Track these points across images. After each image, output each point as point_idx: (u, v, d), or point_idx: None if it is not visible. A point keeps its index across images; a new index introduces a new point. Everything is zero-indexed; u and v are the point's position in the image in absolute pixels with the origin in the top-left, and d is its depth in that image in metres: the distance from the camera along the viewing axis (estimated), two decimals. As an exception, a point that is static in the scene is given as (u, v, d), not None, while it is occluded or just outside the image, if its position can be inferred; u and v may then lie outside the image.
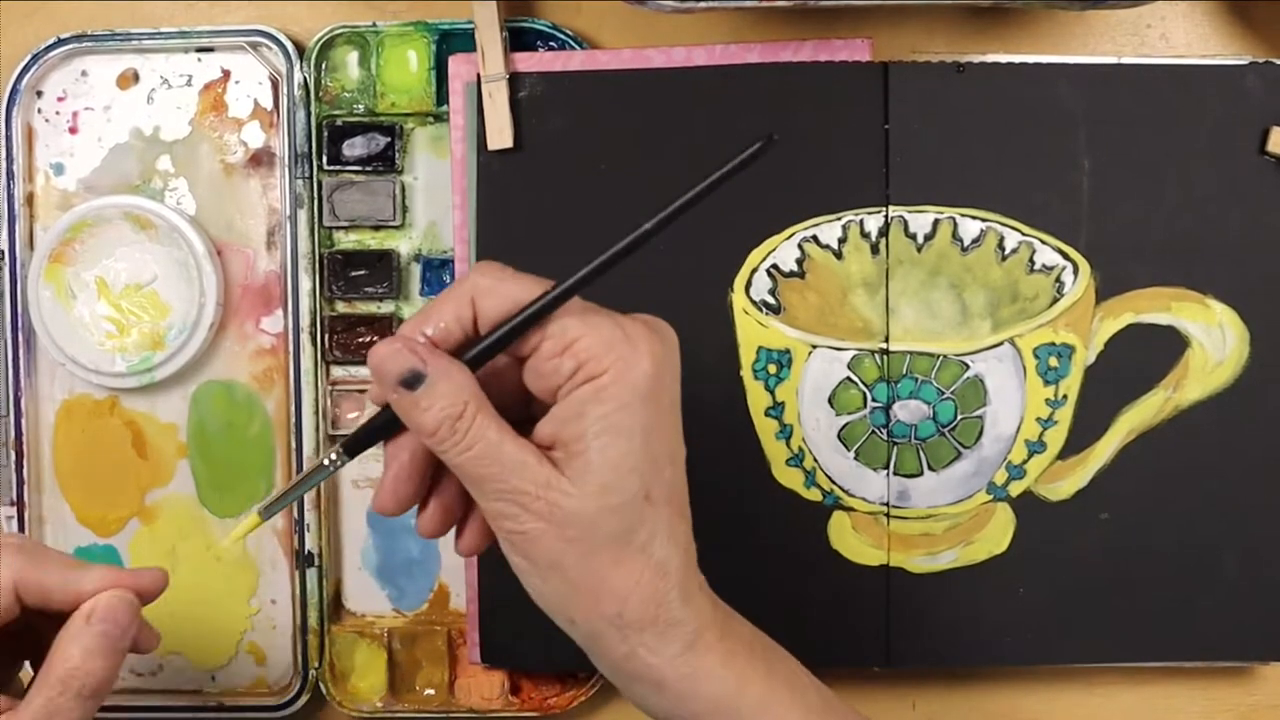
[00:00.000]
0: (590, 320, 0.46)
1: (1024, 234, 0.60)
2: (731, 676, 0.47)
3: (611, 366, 0.45)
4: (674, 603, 0.47)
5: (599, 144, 0.61)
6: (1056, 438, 0.61)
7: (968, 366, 0.60)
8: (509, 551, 0.47)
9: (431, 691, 0.65)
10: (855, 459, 0.61)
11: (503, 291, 0.46)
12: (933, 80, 0.60)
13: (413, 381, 0.45)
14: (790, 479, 0.61)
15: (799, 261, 0.61)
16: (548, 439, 0.46)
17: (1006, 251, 0.60)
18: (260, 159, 0.65)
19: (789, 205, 0.61)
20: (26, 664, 0.54)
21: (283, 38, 0.64)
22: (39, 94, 0.65)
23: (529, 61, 0.62)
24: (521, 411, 0.48)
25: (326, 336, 0.64)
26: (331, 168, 0.64)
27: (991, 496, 0.61)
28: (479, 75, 0.61)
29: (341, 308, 0.65)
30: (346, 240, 0.65)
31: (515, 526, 0.46)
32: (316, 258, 0.64)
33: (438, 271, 0.64)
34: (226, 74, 0.65)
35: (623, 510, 0.46)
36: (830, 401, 0.61)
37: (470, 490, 0.47)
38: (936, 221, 0.60)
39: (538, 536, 0.46)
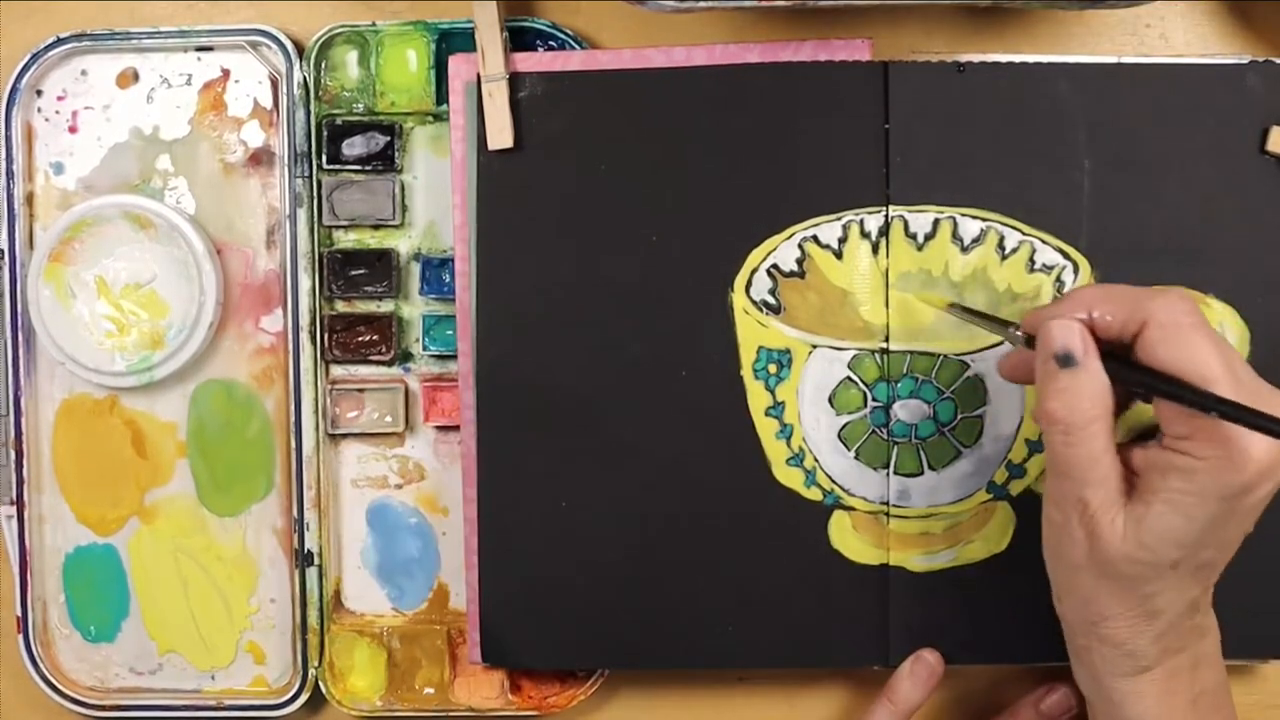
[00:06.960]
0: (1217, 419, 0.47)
1: (1024, 233, 0.60)
2: (1158, 711, 0.53)
3: (1210, 460, 0.48)
4: (1145, 640, 0.52)
5: (599, 144, 0.61)
6: (1056, 437, 0.61)
7: (968, 366, 0.60)
8: (1048, 509, 0.52)
9: (431, 690, 0.65)
10: (855, 458, 0.61)
11: (1183, 345, 0.48)
12: (933, 80, 0.60)
13: (1065, 361, 0.49)
14: (790, 479, 0.61)
15: (799, 261, 0.61)
16: (1137, 464, 0.50)
17: (1007, 251, 0.60)
18: (260, 158, 0.65)
19: (789, 205, 0.61)
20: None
21: (282, 37, 0.64)
22: (39, 93, 0.65)
23: (529, 61, 0.62)
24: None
25: (326, 336, 0.64)
26: (331, 167, 0.64)
27: (992, 495, 0.61)
28: (479, 75, 0.61)
29: (341, 307, 0.65)
30: (346, 239, 0.65)
31: (1058, 517, 0.51)
32: (316, 257, 0.64)
33: (437, 271, 0.64)
34: (226, 73, 0.65)
35: (1145, 566, 0.50)
36: (830, 401, 0.61)
37: (1047, 460, 0.51)
38: (936, 221, 0.60)
39: (1073, 541, 0.51)
